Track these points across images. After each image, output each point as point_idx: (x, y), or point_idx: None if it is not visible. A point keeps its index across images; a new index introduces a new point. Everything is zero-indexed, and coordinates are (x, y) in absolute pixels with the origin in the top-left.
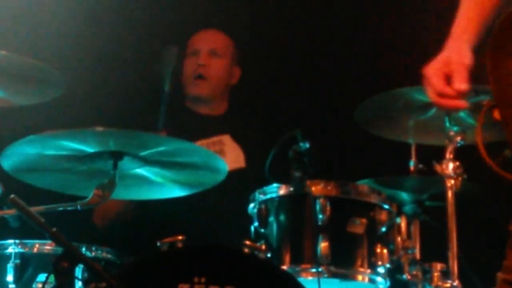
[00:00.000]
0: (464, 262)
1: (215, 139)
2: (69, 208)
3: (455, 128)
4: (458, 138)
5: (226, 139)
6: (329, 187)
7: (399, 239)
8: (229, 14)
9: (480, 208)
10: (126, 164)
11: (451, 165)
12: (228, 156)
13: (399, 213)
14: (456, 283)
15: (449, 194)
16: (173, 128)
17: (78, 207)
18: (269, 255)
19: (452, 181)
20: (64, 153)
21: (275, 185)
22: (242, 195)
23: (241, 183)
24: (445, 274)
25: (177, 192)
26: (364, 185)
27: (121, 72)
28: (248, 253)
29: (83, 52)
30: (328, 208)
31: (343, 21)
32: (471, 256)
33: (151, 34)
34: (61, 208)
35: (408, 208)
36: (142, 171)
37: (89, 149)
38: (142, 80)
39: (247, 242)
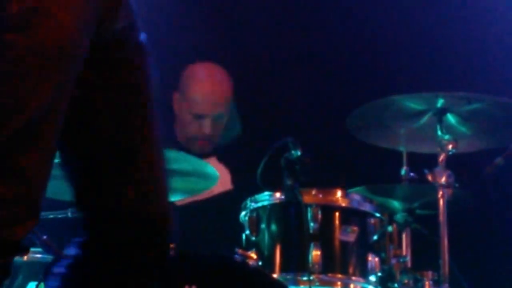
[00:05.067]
0: (455, 270)
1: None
2: (59, 216)
3: (447, 137)
4: (450, 147)
5: (213, 161)
6: (320, 195)
7: (390, 247)
8: (218, 26)
9: (471, 216)
10: None
11: (443, 174)
12: None
13: (391, 221)
14: None
15: (441, 202)
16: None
17: (69, 214)
18: (260, 263)
19: (444, 190)
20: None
21: (266, 193)
22: (230, 217)
23: (229, 206)
24: (437, 283)
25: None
26: (355, 193)
27: None
28: (239, 261)
29: None
30: (320, 216)
31: (334, 29)
32: (463, 264)
33: (157, 39)
34: (51, 216)
35: (399, 217)
36: None
37: None
38: None
39: (238, 250)
